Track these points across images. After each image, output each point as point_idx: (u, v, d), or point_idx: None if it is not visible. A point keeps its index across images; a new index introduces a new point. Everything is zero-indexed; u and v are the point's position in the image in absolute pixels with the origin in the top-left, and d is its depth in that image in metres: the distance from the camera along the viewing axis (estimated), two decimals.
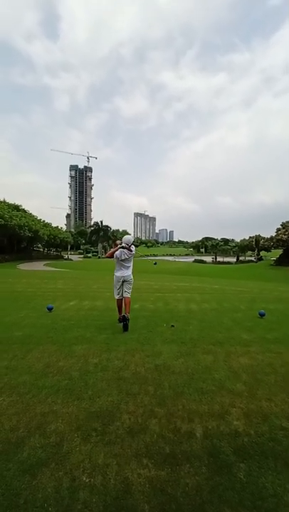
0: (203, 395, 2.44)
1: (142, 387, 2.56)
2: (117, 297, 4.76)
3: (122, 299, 4.69)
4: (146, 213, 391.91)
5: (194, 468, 1.63)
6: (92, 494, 1.44)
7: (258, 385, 2.64)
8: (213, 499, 1.43)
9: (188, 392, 2.47)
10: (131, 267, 4.82)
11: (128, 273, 4.75)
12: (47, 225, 59.22)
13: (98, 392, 2.44)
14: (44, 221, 59.48)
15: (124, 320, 4.36)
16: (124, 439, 1.85)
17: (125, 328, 4.32)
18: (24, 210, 51.22)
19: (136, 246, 5.03)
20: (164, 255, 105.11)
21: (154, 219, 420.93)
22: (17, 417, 2.05)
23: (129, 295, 4.71)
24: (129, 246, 4.74)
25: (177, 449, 1.78)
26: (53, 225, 66.84)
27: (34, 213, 55.70)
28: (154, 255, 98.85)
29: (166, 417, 2.11)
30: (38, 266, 35.15)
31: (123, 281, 4.70)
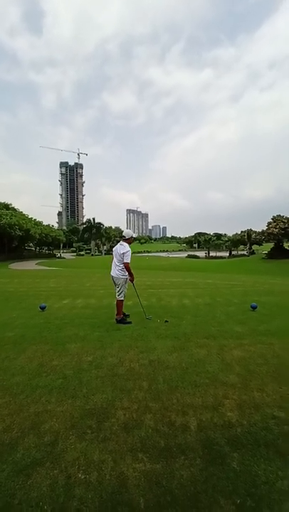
0: (197, 388, 2.47)
1: (136, 382, 2.57)
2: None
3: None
4: (138, 210, 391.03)
5: (189, 460, 1.66)
6: (87, 490, 1.44)
7: (250, 376, 2.69)
8: (207, 489, 1.46)
9: (183, 386, 2.50)
10: (119, 265, 4.46)
11: (114, 271, 4.51)
12: (38, 224, 58.32)
13: (93, 389, 2.44)
14: (35, 219, 58.55)
15: (117, 320, 4.44)
16: (119, 435, 1.86)
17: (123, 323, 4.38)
18: (14, 209, 50.25)
19: (128, 241, 4.62)
20: (157, 251, 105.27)
21: (146, 215, 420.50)
22: (10, 418, 2.03)
23: (117, 297, 4.49)
24: (125, 239, 4.59)
25: (172, 442, 1.80)
26: (45, 223, 65.87)
27: (24, 212, 54.74)
28: (148, 251, 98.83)
29: (161, 411, 2.13)
30: (30, 265, 34.68)
31: (114, 280, 4.59)
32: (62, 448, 1.74)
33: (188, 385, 2.52)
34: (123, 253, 4.42)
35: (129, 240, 4.65)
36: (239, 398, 2.31)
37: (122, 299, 4.54)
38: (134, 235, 4.76)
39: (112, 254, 4.79)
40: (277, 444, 1.78)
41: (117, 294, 4.52)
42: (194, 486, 1.48)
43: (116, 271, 4.49)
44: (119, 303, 4.52)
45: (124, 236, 4.64)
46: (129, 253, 4.46)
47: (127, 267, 4.38)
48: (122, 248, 4.47)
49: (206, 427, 1.95)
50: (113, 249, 4.63)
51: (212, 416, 2.07)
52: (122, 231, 4.98)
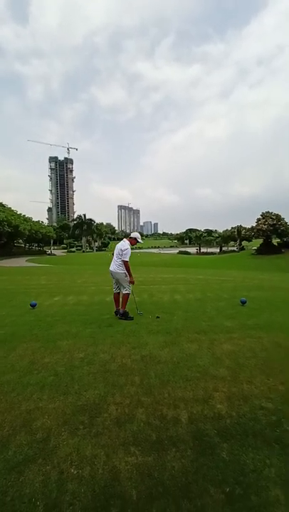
0: (188, 381, 2.52)
1: (128, 378, 2.59)
2: (113, 291, 4.87)
3: (118, 293, 4.81)
4: (130, 206, 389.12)
5: (180, 451, 1.69)
6: (80, 485, 1.46)
7: (239, 369, 2.77)
8: (198, 479, 1.50)
9: (174, 380, 2.54)
10: (117, 260, 4.55)
11: (112, 266, 4.61)
12: (27, 220, 57.12)
13: (85, 385, 2.45)
14: (24, 215, 57.32)
15: (116, 313, 4.63)
16: (111, 430, 1.88)
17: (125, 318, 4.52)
18: (2, 205, 49.00)
19: (131, 241, 4.71)
20: (149, 248, 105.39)
21: (138, 211, 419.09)
22: (1, 416, 2.01)
23: (122, 291, 4.65)
24: (129, 238, 4.76)
25: (163, 435, 1.84)
26: (34, 219, 64.59)
27: (13, 207, 53.45)
28: (139, 248, 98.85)
29: (153, 405, 2.16)
30: (20, 262, 34.05)
31: (111, 275, 4.70)
32: (55, 444, 1.74)
33: (180, 379, 2.57)
34: (122, 250, 4.53)
35: (133, 241, 4.75)
36: (229, 391, 2.37)
37: (129, 292, 4.62)
38: (140, 241, 4.98)
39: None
40: (265, 434, 1.84)
41: (123, 289, 4.63)
42: (185, 476, 1.52)
43: (114, 266, 4.60)
44: (126, 296, 4.62)
45: (130, 235, 4.84)
46: (129, 251, 4.55)
47: (126, 265, 4.49)
48: (123, 245, 4.59)
49: (197, 419, 1.99)
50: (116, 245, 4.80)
51: (202, 408, 2.11)
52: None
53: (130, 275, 4.55)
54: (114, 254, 4.68)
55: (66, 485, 1.45)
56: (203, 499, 1.38)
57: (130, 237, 4.78)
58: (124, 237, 4.88)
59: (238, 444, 1.76)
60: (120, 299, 4.71)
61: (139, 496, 1.40)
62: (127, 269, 4.50)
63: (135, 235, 4.89)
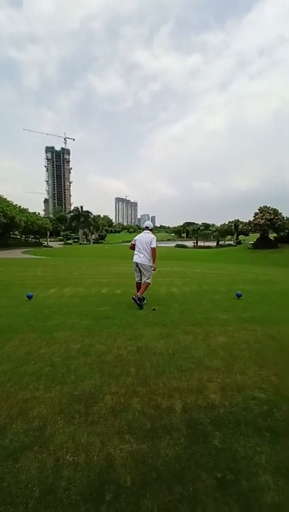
0: (182, 372, 2.56)
1: (124, 368, 2.62)
2: (136, 280, 5.16)
3: (140, 282, 5.08)
4: (127, 198, 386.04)
5: (173, 439, 1.73)
6: (76, 471, 1.49)
7: (233, 361, 2.81)
8: (190, 465, 1.54)
9: (169, 371, 2.58)
10: (144, 252, 4.91)
11: (139, 258, 4.93)
12: (23, 211, 56.48)
13: (81, 376, 2.48)
14: (20, 207, 56.62)
15: (135, 298, 4.84)
16: (107, 419, 1.91)
17: (138, 305, 4.79)
18: None
19: (151, 231, 5.20)
20: None
21: (135, 204, 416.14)
22: None
23: (144, 279, 4.98)
24: (148, 229, 5.14)
25: (158, 423, 1.88)
26: (31, 210, 63.93)
27: (8, 198, 52.70)
28: None
29: (148, 395, 2.20)
30: (16, 254, 33.85)
31: (137, 266, 4.97)
32: (51, 432, 1.77)
33: (175, 369, 2.61)
34: (148, 241, 4.94)
35: (152, 230, 5.24)
36: (222, 381, 2.41)
37: (150, 281, 5.03)
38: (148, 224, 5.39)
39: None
40: (257, 423, 1.89)
41: (145, 278, 4.98)
42: (178, 463, 1.56)
43: (141, 257, 4.94)
44: (147, 284, 5.00)
45: (147, 227, 5.23)
46: (155, 239, 5.03)
47: (154, 251, 4.91)
48: (148, 236, 5.00)
49: (191, 408, 2.04)
50: (136, 238, 5.13)
51: (196, 398, 2.16)
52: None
53: (154, 261, 4.94)
54: (138, 246, 4.99)
55: (62, 471, 1.48)
56: (196, 484, 1.43)
57: (150, 229, 5.20)
58: (145, 229, 5.26)
59: (231, 432, 1.80)
60: (142, 285, 5.03)
61: (133, 482, 1.43)
62: (155, 253, 4.92)
63: (150, 224, 5.32)
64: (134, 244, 5.08)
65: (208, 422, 1.89)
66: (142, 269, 4.95)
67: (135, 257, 4.99)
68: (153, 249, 4.90)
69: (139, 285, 5.09)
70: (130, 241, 5.49)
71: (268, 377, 2.49)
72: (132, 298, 4.92)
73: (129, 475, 1.47)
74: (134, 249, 5.07)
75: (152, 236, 5.02)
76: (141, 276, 5.02)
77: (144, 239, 4.99)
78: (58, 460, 1.56)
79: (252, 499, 1.36)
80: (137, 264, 4.97)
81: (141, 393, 2.22)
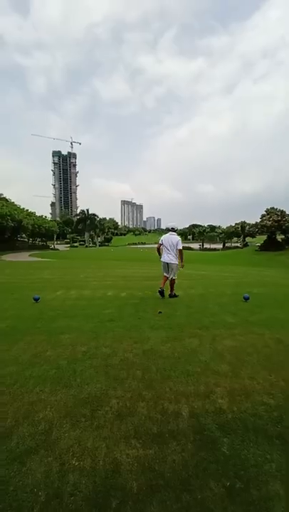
0: (189, 376, 2.52)
1: (130, 372, 2.60)
2: (164, 274, 5.80)
3: (167, 276, 5.73)
4: (133, 201, 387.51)
5: (181, 445, 1.70)
6: (81, 476, 1.47)
7: (241, 365, 2.76)
8: (198, 473, 1.51)
9: (175, 375, 2.54)
10: (172, 253, 5.55)
11: (167, 258, 5.56)
12: (31, 214, 57.25)
13: (86, 379, 2.46)
14: (27, 210, 57.43)
15: (160, 291, 5.65)
16: (112, 423, 1.89)
17: (161, 295, 5.65)
18: (6, 199, 49.15)
19: (175, 231, 5.85)
20: (152, 243, 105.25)
21: (141, 207, 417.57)
22: (3, 408, 2.04)
23: (172, 276, 5.68)
24: (173, 231, 5.76)
25: (164, 428, 1.85)
26: (38, 214, 64.74)
27: (16, 202, 53.56)
28: (143, 243, 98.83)
29: (154, 399, 2.17)
30: (23, 256, 34.27)
31: (166, 264, 5.64)
32: (57, 436, 1.76)
33: (181, 373, 2.57)
34: (174, 242, 5.56)
35: (176, 231, 5.89)
36: (230, 386, 2.37)
37: (176, 278, 5.73)
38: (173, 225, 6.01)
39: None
40: (266, 429, 1.84)
41: (173, 275, 5.68)
42: (186, 470, 1.52)
43: (169, 257, 5.58)
44: (174, 281, 5.74)
45: (173, 228, 5.83)
46: (180, 241, 5.67)
47: (181, 252, 5.62)
48: (174, 238, 5.60)
49: (198, 413, 2.00)
50: (162, 239, 5.71)
51: (204, 403, 2.12)
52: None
53: (182, 259, 5.67)
54: (166, 247, 5.59)
55: (67, 476, 1.47)
56: (204, 492, 1.39)
57: (174, 230, 5.81)
58: (170, 230, 5.82)
59: (239, 438, 1.76)
60: (169, 283, 5.72)
61: (139, 488, 1.41)
62: (182, 253, 5.64)
63: (176, 225, 6.01)
64: (161, 245, 5.65)
65: (216, 428, 1.85)
66: (170, 267, 5.62)
67: (164, 256, 5.63)
68: (180, 251, 5.57)
69: (165, 278, 5.74)
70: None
71: (277, 383, 2.43)
72: (158, 291, 5.70)
73: (135, 481, 1.45)
74: (159, 250, 5.74)
75: (178, 238, 5.60)
76: (169, 271, 5.66)
77: (171, 240, 5.58)
78: (63, 464, 1.54)
79: (262, 509, 1.32)
80: (166, 263, 5.62)
81: (147, 397, 2.19)
